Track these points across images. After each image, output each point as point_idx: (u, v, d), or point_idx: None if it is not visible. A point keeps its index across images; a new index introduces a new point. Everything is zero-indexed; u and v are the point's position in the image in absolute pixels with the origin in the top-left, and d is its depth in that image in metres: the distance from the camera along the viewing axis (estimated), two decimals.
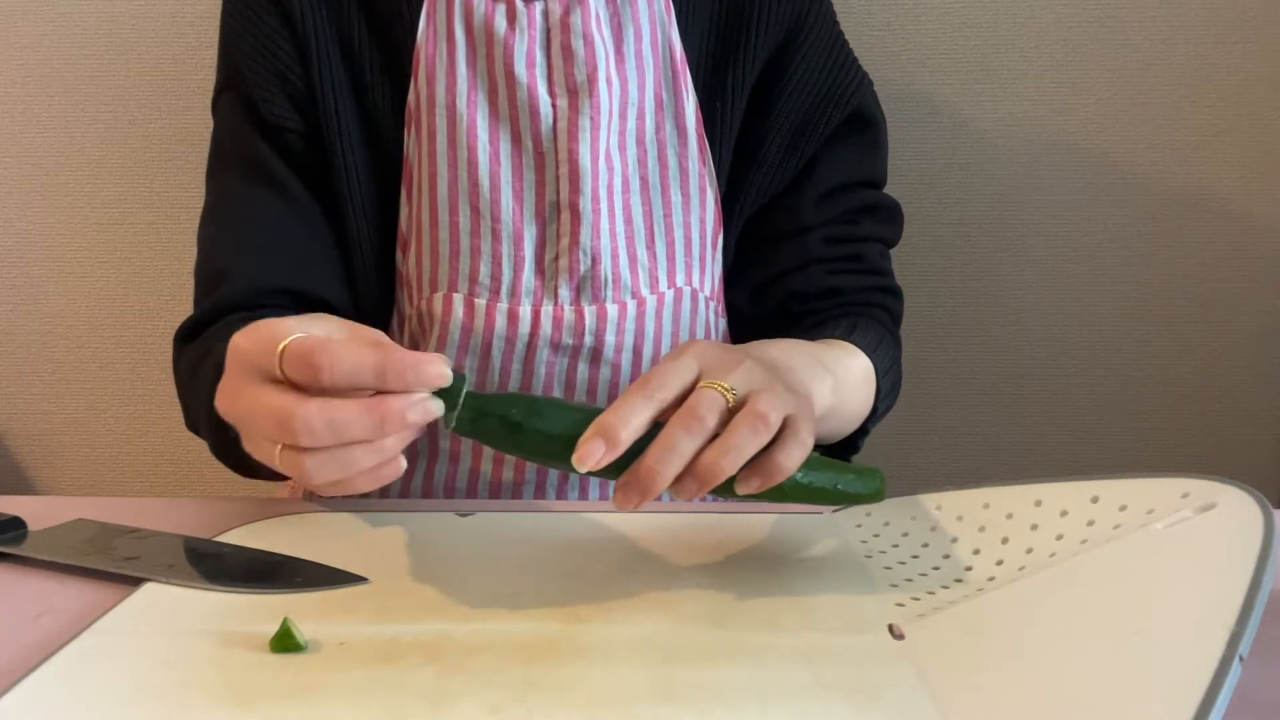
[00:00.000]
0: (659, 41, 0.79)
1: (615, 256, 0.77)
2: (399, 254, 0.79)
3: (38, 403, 1.22)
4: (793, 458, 0.52)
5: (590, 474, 0.51)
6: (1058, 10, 1.12)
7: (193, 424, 0.75)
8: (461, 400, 0.52)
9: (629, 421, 0.51)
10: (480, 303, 0.77)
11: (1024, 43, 1.13)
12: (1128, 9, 1.12)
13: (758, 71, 0.81)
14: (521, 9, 0.76)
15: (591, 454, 0.50)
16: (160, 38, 1.14)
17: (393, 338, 0.81)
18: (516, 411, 0.53)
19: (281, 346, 0.50)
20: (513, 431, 0.53)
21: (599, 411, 0.52)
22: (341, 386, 0.49)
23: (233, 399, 0.54)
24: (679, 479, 0.51)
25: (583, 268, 0.77)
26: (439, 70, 0.77)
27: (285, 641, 0.49)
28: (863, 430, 0.77)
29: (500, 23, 0.76)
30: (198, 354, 0.73)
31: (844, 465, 0.58)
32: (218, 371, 0.56)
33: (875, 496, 0.58)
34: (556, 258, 0.77)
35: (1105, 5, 1.12)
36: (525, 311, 0.77)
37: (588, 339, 0.77)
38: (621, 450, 0.51)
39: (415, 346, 0.80)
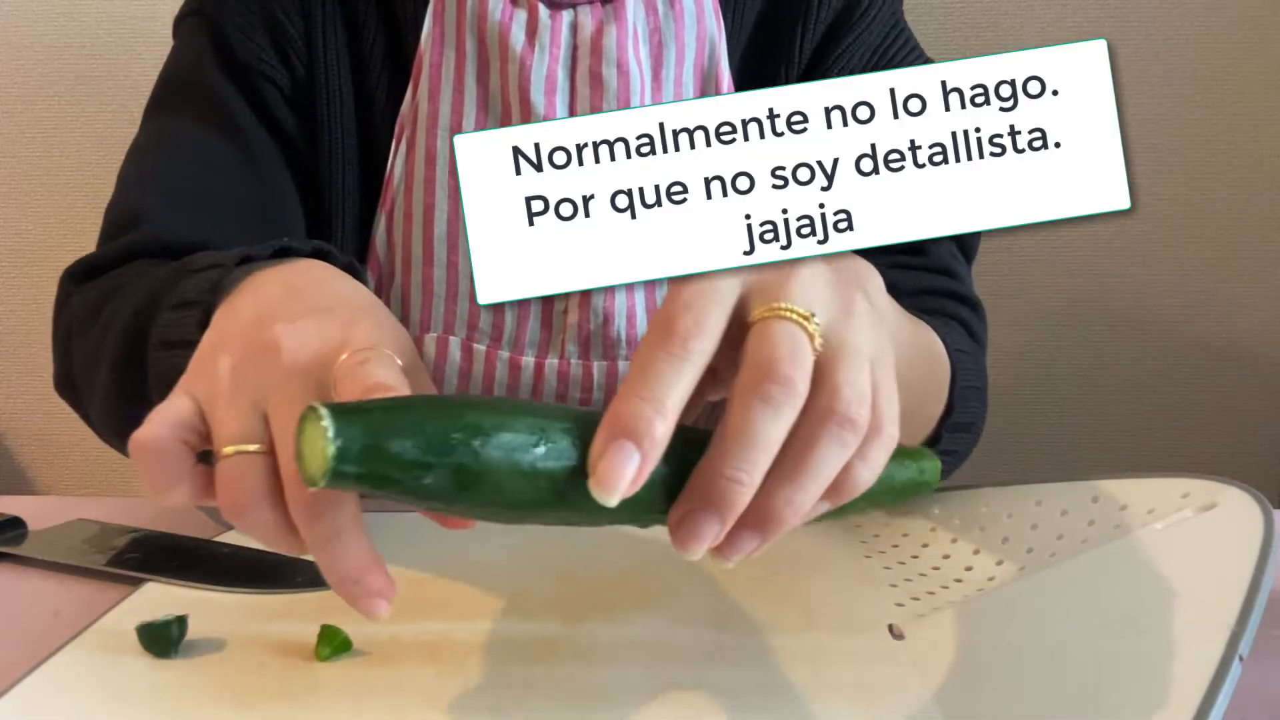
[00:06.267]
0: (704, 64, 0.70)
1: (631, 316, 0.69)
2: (368, 272, 0.70)
3: (38, 403, 1.21)
4: (874, 465, 0.36)
5: (619, 517, 0.35)
6: (1058, 10, 1.12)
7: (68, 374, 0.62)
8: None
9: (663, 399, 0.33)
10: (479, 349, 0.70)
11: (1024, 42, 1.13)
12: (1128, 9, 1.12)
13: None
14: (545, 21, 0.66)
15: (620, 468, 0.32)
16: (160, 38, 1.13)
17: None
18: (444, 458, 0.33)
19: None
20: (460, 494, 0.34)
21: (588, 412, 0.35)
22: None
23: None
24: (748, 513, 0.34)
25: (592, 325, 0.69)
26: (444, 85, 0.68)
27: (332, 642, 0.47)
28: (936, 435, 0.62)
29: (518, 35, 0.66)
30: (101, 292, 0.61)
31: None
32: (139, 307, 0.50)
33: (931, 483, 0.45)
34: (565, 311, 0.69)
35: (1105, 5, 1.12)
36: (528, 362, 0.70)
37: (596, 394, 0.70)
38: (661, 448, 0.33)
39: None
